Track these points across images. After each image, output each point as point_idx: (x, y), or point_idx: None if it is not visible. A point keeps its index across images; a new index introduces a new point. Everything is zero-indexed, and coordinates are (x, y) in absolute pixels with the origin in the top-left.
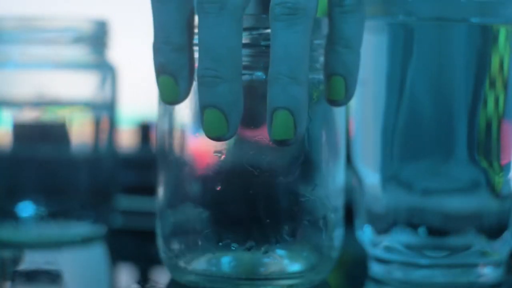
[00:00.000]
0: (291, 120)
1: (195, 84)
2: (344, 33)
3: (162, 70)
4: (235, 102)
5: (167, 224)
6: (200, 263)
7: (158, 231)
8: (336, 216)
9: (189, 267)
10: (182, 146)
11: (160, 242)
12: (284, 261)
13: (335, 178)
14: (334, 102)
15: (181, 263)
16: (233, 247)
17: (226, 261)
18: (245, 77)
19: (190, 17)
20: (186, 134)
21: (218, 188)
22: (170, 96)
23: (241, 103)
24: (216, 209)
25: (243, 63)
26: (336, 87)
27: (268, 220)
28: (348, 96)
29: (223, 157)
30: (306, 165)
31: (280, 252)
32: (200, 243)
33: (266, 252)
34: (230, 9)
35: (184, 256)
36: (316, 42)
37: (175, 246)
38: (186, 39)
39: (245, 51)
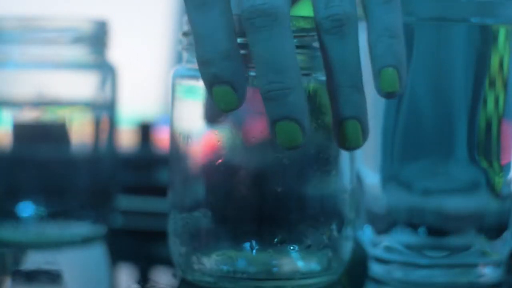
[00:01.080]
0: (360, 128)
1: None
2: (387, 23)
3: (217, 80)
4: (305, 108)
5: (179, 223)
6: (212, 263)
7: (170, 231)
8: (352, 215)
9: (202, 267)
10: (195, 147)
11: (171, 241)
12: (298, 261)
13: (350, 176)
14: (390, 95)
15: (193, 263)
16: (247, 246)
17: (239, 261)
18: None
19: (233, 22)
20: (199, 135)
21: (232, 188)
22: (229, 104)
23: (307, 107)
24: (230, 209)
25: None
26: (390, 78)
27: (282, 220)
28: (402, 86)
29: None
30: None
31: (294, 252)
32: (212, 242)
33: (280, 251)
34: (281, 19)
35: (196, 255)
36: None
37: (187, 245)
38: (235, 44)
39: None
